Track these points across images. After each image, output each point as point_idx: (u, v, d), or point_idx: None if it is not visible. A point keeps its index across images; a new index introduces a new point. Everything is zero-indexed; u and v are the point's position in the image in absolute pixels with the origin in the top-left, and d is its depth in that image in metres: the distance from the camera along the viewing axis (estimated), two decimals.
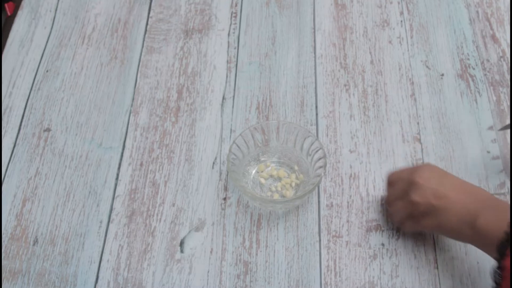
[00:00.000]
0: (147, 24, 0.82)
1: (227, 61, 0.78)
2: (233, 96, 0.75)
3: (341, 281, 0.60)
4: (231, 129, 0.71)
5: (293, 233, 0.63)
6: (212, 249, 0.62)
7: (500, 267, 0.45)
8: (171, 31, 0.81)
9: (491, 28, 0.80)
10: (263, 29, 0.81)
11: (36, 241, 0.63)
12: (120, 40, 0.81)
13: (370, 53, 0.78)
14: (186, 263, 0.61)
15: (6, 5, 0.85)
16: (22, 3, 0.85)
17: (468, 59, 0.77)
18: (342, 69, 0.76)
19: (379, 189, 0.66)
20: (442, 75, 0.75)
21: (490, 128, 0.70)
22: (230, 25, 0.82)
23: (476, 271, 0.60)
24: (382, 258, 0.61)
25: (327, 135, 0.70)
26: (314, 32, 0.80)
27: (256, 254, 0.62)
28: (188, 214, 0.65)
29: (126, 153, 0.70)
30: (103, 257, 0.62)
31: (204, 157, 0.69)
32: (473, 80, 0.75)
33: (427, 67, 0.76)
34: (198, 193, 0.66)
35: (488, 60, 0.76)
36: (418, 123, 0.71)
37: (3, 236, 0.64)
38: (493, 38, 0.79)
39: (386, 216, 0.64)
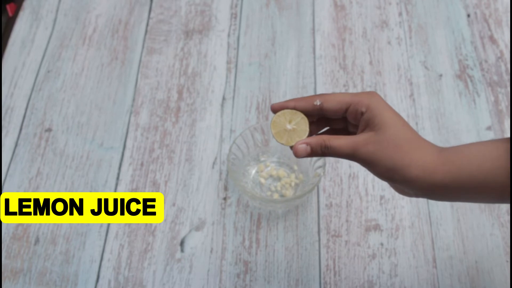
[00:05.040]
0: (147, 25, 0.83)
1: (227, 62, 0.78)
2: (233, 97, 0.75)
3: (340, 280, 0.60)
4: (231, 129, 0.72)
5: (292, 232, 0.64)
6: (212, 248, 0.63)
7: None
8: (171, 32, 0.82)
9: (489, 29, 0.80)
10: (263, 30, 0.81)
11: (37, 241, 0.64)
12: (120, 41, 0.81)
13: (369, 53, 0.78)
14: (187, 262, 0.62)
15: (7, 6, 0.86)
16: (24, 4, 0.86)
17: (467, 59, 0.77)
18: (341, 69, 0.77)
19: (378, 189, 0.66)
20: (441, 75, 0.76)
21: (488, 128, 0.71)
22: (230, 26, 0.82)
23: (475, 270, 0.60)
24: (381, 257, 0.61)
25: None
26: (314, 33, 0.81)
27: (256, 254, 0.62)
28: (189, 214, 0.65)
29: (127, 153, 0.70)
30: (104, 256, 0.62)
31: (204, 157, 0.70)
32: (471, 81, 0.75)
33: (425, 67, 0.77)
34: (198, 193, 0.67)
35: (486, 61, 0.77)
36: (416, 123, 0.72)
37: (4, 235, 0.64)
38: (491, 39, 0.79)
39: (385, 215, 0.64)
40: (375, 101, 0.42)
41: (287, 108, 0.44)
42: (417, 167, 0.40)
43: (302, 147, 0.43)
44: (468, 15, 0.80)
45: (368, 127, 0.42)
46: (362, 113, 0.42)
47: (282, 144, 0.45)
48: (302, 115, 0.44)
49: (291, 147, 0.44)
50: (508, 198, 0.39)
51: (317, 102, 0.43)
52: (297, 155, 0.43)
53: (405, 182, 0.40)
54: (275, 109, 0.45)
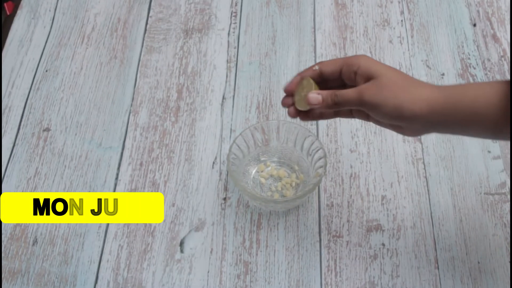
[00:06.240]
0: (146, 23, 0.82)
1: (227, 61, 0.78)
2: (233, 96, 0.74)
3: (341, 281, 0.60)
4: (231, 129, 0.71)
5: (293, 233, 0.63)
6: (212, 249, 0.62)
7: None
8: (171, 31, 0.81)
9: (492, 28, 0.79)
10: (263, 29, 0.81)
11: (35, 241, 0.63)
12: (119, 39, 0.80)
13: (371, 52, 0.78)
14: (186, 263, 0.61)
15: (5, 4, 0.85)
16: (22, 2, 0.85)
17: (469, 58, 0.77)
18: None
19: (380, 189, 0.66)
20: (443, 74, 0.75)
21: None
22: (230, 24, 0.82)
23: (477, 271, 0.60)
24: (383, 258, 0.61)
25: (328, 135, 0.70)
26: (315, 31, 0.80)
27: (256, 254, 0.62)
28: (188, 214, 0.65)
29: (126, 153, 0.70)
30: (102, 257, 0.62)
31: (204, 157, 0.69)
32: (474, 80, 0.74)
33: (427, 66, 0.76)
34: (198, 193, 0.66)
35: (489, 60, 0.76)
36: None
37: (2, 236, 0.63)
38: (494, 37, 0.78)
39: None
40: (365, 59, 0.46)
41: (295, 83, 0.51)
42: (421, 101, 0.43)
43: (314, 96, 0.48)
44: (474, 25, 0.79)
45: (367, 79, 0.46)
46: (355, 73, 0.47)
47: (302, 109, 0.51)
48: (315, 84, 0.49)
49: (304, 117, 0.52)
50: (500, 135, 0.42)
51: (316, 67, 0.50)
52: (309, 102, 0.48)
53: (412, 117, 0.43)
54: (287, 90, 0.51)
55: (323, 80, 0.50)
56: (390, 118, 0.45)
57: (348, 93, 0.46)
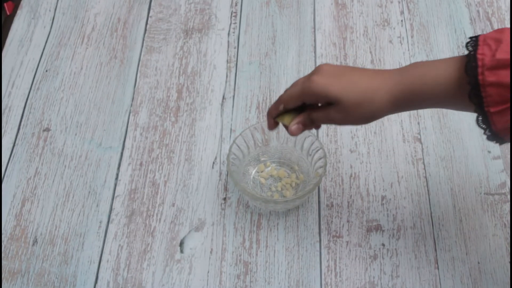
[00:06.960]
0: (146, 23, 0.82)
1: (227, 61, 0.78)
2: (233, 96, 0.74)
3: (341, 281, 0.60)
4: (231, 129, 0.71)
5: (293, 233, 0.63)
6: (212, 249, 0.62)
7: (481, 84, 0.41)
8: (171, 31, 0.81)
9: (492, 28, 0.79)
10: (263, 29, 0.81)
11: (35, 241, 0.63)
12: (119, 39, 0.80)
13: (371, 52, 0.78)
14: (186, 263, 0.61)
15: (5, 4, 0.85)
16: (22, 2, 0.85)
17: None
18: None
19: (380, 189, 0.66)
20: None
21: None
22: (230, 24, 0.82)
23: (477, 271, 0.60)
24: (383, 258, 0.61)
25: (328, 135, 0.70)
26: (315, 31, 0.80)
27: (256, 254, 0.62)
28: (188, 214, 0.65)
29: (126, 153, 0.70)
30: (102, 257, 0.62)
31: (204, 157, 0.69)
32: None
33: None
34: (198, 193, 0.66)
35: None
36: (418, 123, 0.71)
37: (2, 236, 0.63)
38: None
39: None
40: (318, 86, 0.47)
41: (273, 123, 0.55)
42: (386, 103, 0.46)
43: (294, 127, 0.52)
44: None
45: (330, 103, 0.48)
46: (316, 100, 0.50)
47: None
48: (287, 117, 0.53)
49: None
50: (461, 108, 0.46)
51: (281, 107, 0.52)
52: (294, 134, 0.52)
53: (382, 116, 0.48)
54: (271, 130, 0.55)
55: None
56: (364, 125, 0.51)
57: (319, 115, 0.50)
